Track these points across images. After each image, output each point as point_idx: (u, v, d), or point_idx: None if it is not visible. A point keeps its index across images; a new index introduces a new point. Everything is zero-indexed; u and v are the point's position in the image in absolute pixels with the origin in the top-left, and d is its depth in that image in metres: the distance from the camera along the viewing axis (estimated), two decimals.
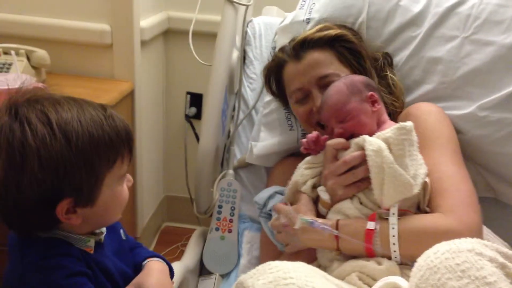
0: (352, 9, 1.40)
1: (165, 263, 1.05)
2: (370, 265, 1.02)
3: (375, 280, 1.01)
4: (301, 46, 1.28)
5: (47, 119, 0.83)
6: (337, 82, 1.18)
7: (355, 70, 1.28)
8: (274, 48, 1.48)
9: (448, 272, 0.82)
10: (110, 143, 0.87)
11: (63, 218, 0.85)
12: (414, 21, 1.39)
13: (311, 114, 1.27)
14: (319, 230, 1.07)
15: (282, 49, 1.34)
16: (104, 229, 0.96)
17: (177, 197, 2.28)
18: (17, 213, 0.85)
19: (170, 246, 2.15)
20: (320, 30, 1.30)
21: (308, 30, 1.31)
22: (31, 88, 0.89)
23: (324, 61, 1.25)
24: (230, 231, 1.39)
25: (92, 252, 0.91)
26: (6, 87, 1.22)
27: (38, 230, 0.88)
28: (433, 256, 0.86)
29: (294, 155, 1.42)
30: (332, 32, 1.29)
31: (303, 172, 1.17)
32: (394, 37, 1.41)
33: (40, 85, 1.35)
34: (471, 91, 1.32)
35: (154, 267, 1.01)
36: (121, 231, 1.05)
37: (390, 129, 1.08)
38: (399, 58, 1.39)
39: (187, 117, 2.07)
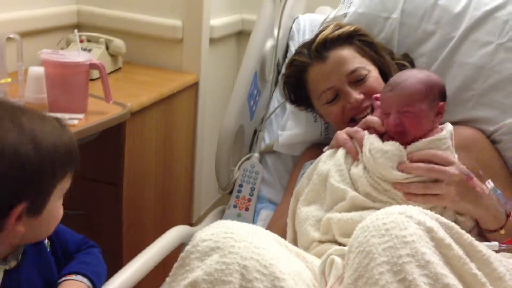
0: (388, 4, 1.41)
1: (84, 283, 0.94)
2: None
3: None
4: (323, 47, 1.31)
5: (19, 122, 0.80)
6: (420, 73, 1.15)
7: (376, 62, 1.31)
8: None
9: (374, 230, 0.85)
10: (67, 153, 0.86)
11: (12, 224, 0.80)
12: (451, 22, 1.36)
13: (344, 112, 1.29)
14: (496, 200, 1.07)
15: (299, 53, 1.36)
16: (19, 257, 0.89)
17: None
18: None
19: None
20: (336, 28, 1.32)
21: (323, 31, 1.33)
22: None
23: (348, 57, 1.28)
24: (247, 209, 1.44)
25: None
26: (58, 60, 1.31)
27: None
28: (369, 219, 0.88)
29: (322, 144, 1.44)
30: (349, 28, 1.32)
31: None
32: (428, 37, 1.39)
33: (97, 62, 1.50)
34: (501, 101, 1.28)
35: None
36: (45, 241, 0.95)
37: None
38: (431, 60, 1.37)
39: None
